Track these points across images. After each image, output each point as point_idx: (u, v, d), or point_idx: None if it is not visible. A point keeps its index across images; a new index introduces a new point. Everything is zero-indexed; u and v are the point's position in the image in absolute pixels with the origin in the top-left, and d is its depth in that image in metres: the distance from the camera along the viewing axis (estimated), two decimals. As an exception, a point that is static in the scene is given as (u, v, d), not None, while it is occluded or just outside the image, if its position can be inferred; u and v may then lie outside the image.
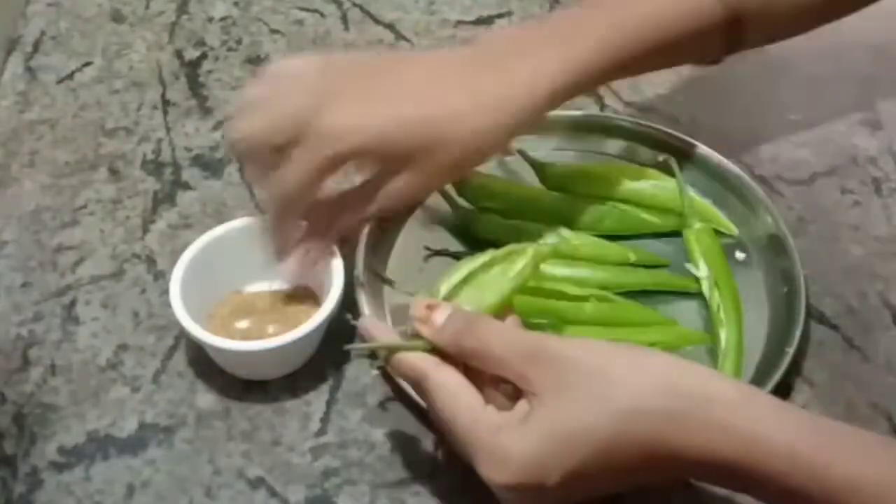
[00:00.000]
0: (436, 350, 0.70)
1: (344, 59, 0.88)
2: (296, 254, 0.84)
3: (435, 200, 0.93)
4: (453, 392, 0.69)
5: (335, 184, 0.82)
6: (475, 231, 0.92)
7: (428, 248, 0.92)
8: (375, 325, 0.75)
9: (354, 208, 0.84)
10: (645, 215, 0.93)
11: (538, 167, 0.96)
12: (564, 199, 0.94)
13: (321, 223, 0.84)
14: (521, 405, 0.68)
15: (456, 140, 0.81)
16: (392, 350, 0.72)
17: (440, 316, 0.71)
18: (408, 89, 0.82)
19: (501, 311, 0.75)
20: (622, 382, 0.66)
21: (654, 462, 0.65)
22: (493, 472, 0.66)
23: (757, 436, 0.64)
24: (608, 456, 0.65)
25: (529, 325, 0.79)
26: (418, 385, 0.71)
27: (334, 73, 0.82)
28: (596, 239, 0.92)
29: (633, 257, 0.91)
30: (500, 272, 0.77)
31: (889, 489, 0.63)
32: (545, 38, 0.84)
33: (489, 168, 0.97)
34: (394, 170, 0.81)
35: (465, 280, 0.76)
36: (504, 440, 0.66)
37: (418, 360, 0.70)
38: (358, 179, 0.84)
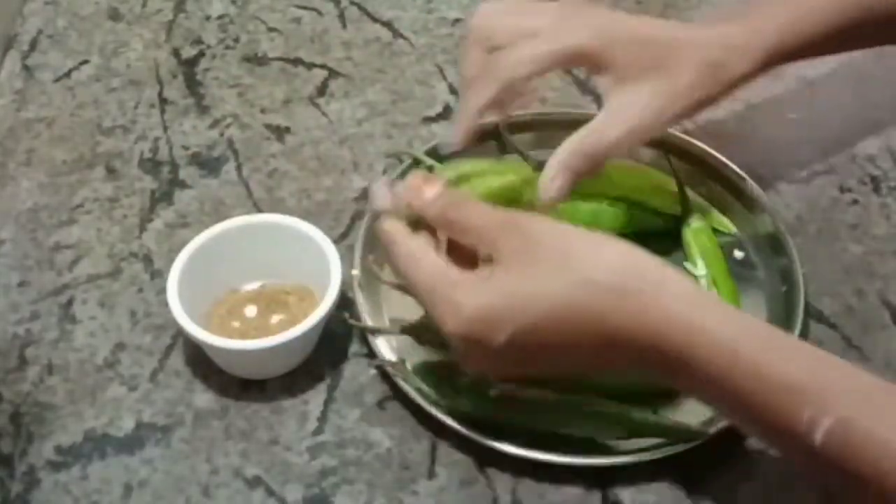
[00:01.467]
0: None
1: None
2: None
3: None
4: (419, 253, 0.72)
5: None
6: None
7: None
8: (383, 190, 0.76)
9: None
10: (642, 213, 0.93)
11: (536, 166, 0.96)
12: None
13: None
14: (483, 268, 0.70)
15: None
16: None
17: (431, 190, 0.73)
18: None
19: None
20: (582, 256, 0.69)
21: (602, 338, 0.68)
22: (447, 318, 0.69)
23: (702, 326, 0.66)
24: (558, 322, 0.68)
25: None
26: (387, 249, 0.74)
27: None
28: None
29: None
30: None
31: (818, 394, 0.64)
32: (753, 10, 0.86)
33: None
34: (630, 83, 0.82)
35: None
36: (460, 291, 0.69)
37: (390, 226, 0.74)
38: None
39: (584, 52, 0.81)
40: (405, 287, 0.74)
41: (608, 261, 0.69)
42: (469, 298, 0.69)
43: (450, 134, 0.85)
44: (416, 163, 0.95)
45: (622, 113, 0.82)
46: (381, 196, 0.75)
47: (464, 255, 0.72)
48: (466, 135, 0.84)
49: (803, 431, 0.64)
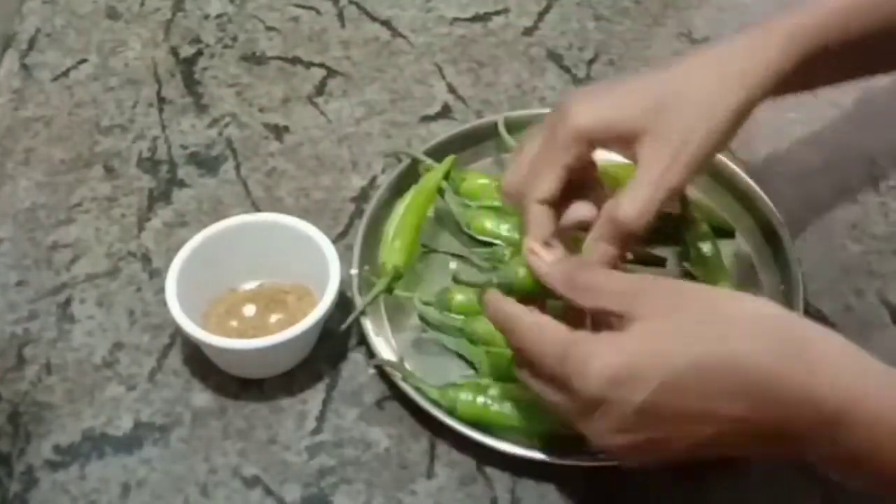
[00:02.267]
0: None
1: None
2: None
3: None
4: (541, 325, 0.69)
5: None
6: (472, 229, 0.92)
7: (425, 246, 0.91)
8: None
9: None
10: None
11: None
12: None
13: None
14: (620, 326, 0.66)
15: (691, 101, 0.76)
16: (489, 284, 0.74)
17: (551, 255, 0.72)
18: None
19: None
20: (731, 310, 0.66)
21: (753, 398, 0.62)
22: (585, 378, 0.64)
23: (859, 388, 0.62)
24: (704, 376, 0.63)
25: None
26: (505, 328, 0.71)
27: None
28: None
29: (630, 255, 0.91)
30: None
31: None
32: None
33: (486, 166, 0.97)
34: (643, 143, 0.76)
35: None
36: (599, 346, 0.65)
37: (508, 305, 0.71)
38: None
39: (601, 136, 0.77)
40: (524, 385, 0.71)
41: (757, 320, 0.65)
42: (610, 351, 0.64)
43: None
44: (415, 162, 0.95)
45: (648, 177, 0.77)
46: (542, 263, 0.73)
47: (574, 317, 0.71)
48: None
49: None
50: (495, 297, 0.72)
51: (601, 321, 0.69)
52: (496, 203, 0.92)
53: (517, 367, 0.72)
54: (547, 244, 0.73)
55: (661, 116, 0.75)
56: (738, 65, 0.77)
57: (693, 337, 0.64)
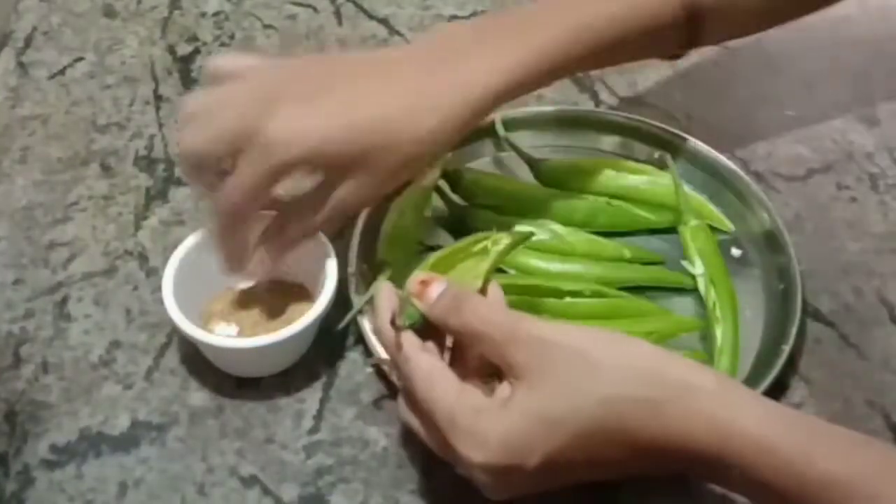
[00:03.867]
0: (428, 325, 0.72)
1: (286, 62, 0.86)
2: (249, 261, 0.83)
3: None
4: (431, 375, 0.69)
5: (285, 190, 0.81)
6: (469, 227, 0.92)
7: (421, 244, 0.91)
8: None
9: (302, 216, 0.81)
10: (640, 211, 0.93)
11: (532, 163, 0.96)
12: (559, 195, 0.93)
13: (272, 231, 0.82)
14: (503, 388, 0.68)
15: (406, 141, 0.79)
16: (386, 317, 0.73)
17: (434, 290, 0.71)
18: (354, 91, 0.79)
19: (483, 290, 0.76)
20: (605, 368, 0.66)
21: (635, 450, 0.66)
22: (473, 451, 0.66)
23: (737, 427, 0.65)
24: (589, 441, 0.66)
25: None
26: (397, 365, 0.72)
27: (277, 77, 0.80)
28: (590, 235, 0.91)
29: (627, 254, 0.91)
30: (481, 253, 0.78)
31: (862, 488, 0.63)
32: (499, 35, 0.83)
33: (483, 164, 0.97)
34: (342, 175, 0.79)
35: (449, 260, 0.77)
36: (484, 421, 0.66)
37: (402, 340, 0.71)
38: (308, 183, 0.81)
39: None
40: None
41: (634, 371, 0.67)
42: (494, 427, 0.66)
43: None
44: None
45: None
46: (385, 307, 0.73)
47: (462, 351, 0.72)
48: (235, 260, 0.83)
49: None
50: (387, 330, 0.72)
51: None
52: (497, 201, 0.93)
53: (401, 398, 0.74)
54: (426, 281, 0.72)
55: (360, 160, 0.78)
56: (454, 96, 0.80)
57: (571, 406, 0.66)
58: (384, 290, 0.75)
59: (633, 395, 0.66)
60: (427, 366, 0.70)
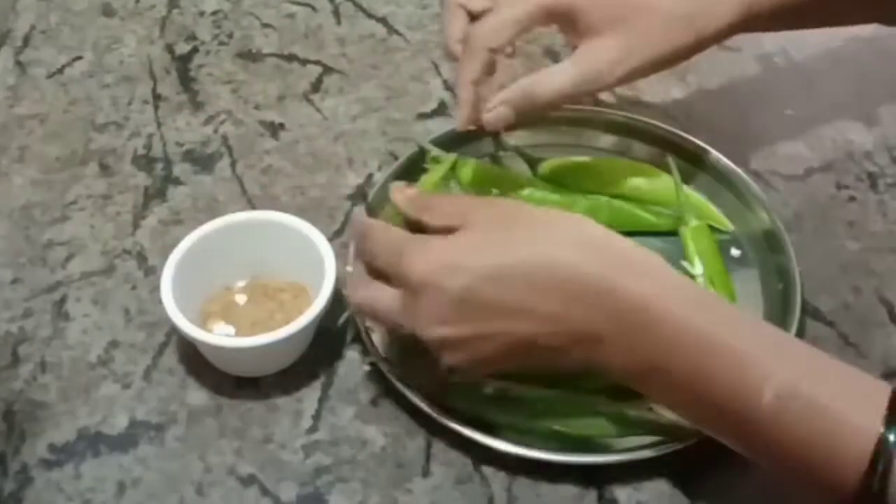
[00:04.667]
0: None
1: None
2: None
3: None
4: (389, 230, 0.75)
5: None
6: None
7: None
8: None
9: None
10: (640, 212, 0.93)
11: (532, 162, 0.95)
12: (558, 192, 0.93)
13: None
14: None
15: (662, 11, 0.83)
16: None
17: (410, 190, 0.79)
18: None
19: None
20: (557, 225, 0.71)
21: (569, 297, 0.68)
22: (409, 266, 0.71)
23: (658, 293, 0.68)
24: (515, 274, 0.69)
25: None
26: (361, 237, 0.77)
27: None
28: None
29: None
30: None
31: (777, 363, 0.66)
32: None
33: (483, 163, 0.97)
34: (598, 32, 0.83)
35: None
36: (429, 243, 0.72)
37: (369, 220, 0.78)
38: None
39: (556, 8, 0.83)
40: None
41: (582, 229, 0.71)
42: (437, 245, 0.71)
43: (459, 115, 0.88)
44: (423, 151, 0.95)
45: (576, 62, 0.84)
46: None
47: None
48: (468, 110, 0.87)
49: (751, 396, 0.65)
50: (361, 215, 0.82)
51: None
52: (495, 191, 0.93)
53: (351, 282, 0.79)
54: (407, 185, 0.80)
55: (629, 17, 0.82)
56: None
57: (514, 240, 0.70)
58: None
59: (574, 248, 0.69)
60: (383, 226, 0.76)
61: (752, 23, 0.85)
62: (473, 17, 0.88)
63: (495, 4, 0.85)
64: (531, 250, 0.69)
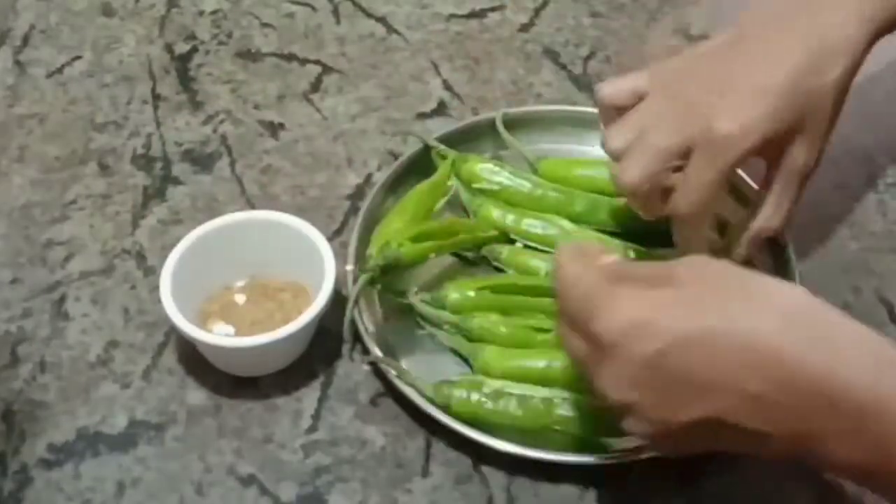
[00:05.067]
0: None
1: (664, 67, 0.84)
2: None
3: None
4: (580, 275, 0.68)
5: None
6: (478, 217, 0.91)
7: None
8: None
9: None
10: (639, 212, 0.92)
11: (532, 163, 0.95)
12: (560, 190, 0.93)
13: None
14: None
15: (827, 83, 0.80)
16: None
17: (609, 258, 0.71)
18: (755, 68, 0.79)
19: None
20: (762, 293, 0.64)
21: (770, 378, 0.60)
22: (602, 315, 0.64)
23: (889, 382, 0.60)
24: (717, 342, 0.61)
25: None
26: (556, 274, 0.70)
27: (678, 81, 0.81)
28: (597, 233, 0.91)
29: (632, 254, 0.90)
30: None
31: None
32: None
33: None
34: (789, 142, 0.80)
35: None
36: (624, 292, 0.65)
37: (566, 252, 0.71)
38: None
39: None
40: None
41: (787, 298, 0.64)
42: (632, 301, 0.64)
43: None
44: (427, 148, 0.94)
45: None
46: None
47: None
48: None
49: None
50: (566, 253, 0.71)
51: None
52: (495, 187, 0.93)
53: (558, 322, 0.71)
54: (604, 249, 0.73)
55: (801, 117, 0.79)
56: (840, 31, 0.81)
57: (717, 305, 0.63)
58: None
59: (779, 322, 0.62)
60: (576, 268, 0.69)
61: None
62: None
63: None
64: (731, 318, 0.62)
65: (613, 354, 0.64)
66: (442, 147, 0.94)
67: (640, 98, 0.81)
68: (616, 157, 0.80)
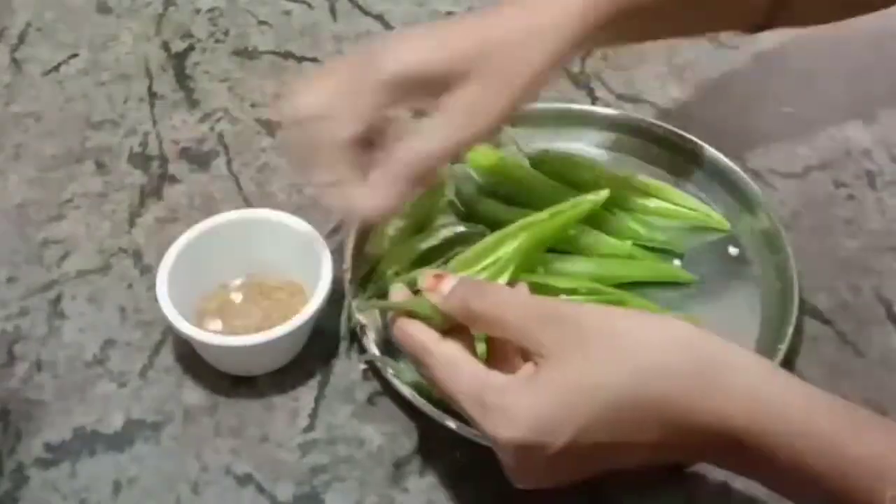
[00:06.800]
0: (438, 323, 0.70)
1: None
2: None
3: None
4: (455, 362, 0.68)
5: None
6: (474, 220, 0.91)
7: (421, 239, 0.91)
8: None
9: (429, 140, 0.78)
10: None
11: (530, 160, 0.95)
12: (560, 187, 0.93)
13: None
14: (527, 367, 0.66)
15: (510, 49, 0.77)
16: (401, 308, 0.72)
17: (447, 284, 0.70)
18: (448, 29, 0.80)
19: None
20: (637, 340, 0.64)
21: (664, 427, 0.63)
22: (500, 429, 0.64)
23: (777, 406, 0.62)
24: (618, 416, 0.63)
25: None
26: (418, 359, 0.70)
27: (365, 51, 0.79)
28: (595, 231, 0.91)
29: (637, 255, 0.90)
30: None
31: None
32: None
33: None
34: (460, 87, 0.76)
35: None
36: (511, 398, 0.64)
37: (420, 333, 0.70)
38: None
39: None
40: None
41: (672, 345, 0.64)
42: (521, 402, 0.64)
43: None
44: None
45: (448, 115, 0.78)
46: (400, 296, 0.73)
47: (499, 347, 0.71)
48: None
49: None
50: (404, 324, 0.71)
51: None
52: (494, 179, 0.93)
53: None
54: (439, 275, 0.71)
55: (482, 61, 0.76)
56: (549, 17, 0.78)
57: (602, 378, 0.63)
58: (397, 291, 0.74)
59: (670, 366, 0.63)
60: (449, 352, 0.68)
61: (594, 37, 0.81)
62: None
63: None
64: (620, 390, 0.63)
65: (522, 455, 0.65)
66: None
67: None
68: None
